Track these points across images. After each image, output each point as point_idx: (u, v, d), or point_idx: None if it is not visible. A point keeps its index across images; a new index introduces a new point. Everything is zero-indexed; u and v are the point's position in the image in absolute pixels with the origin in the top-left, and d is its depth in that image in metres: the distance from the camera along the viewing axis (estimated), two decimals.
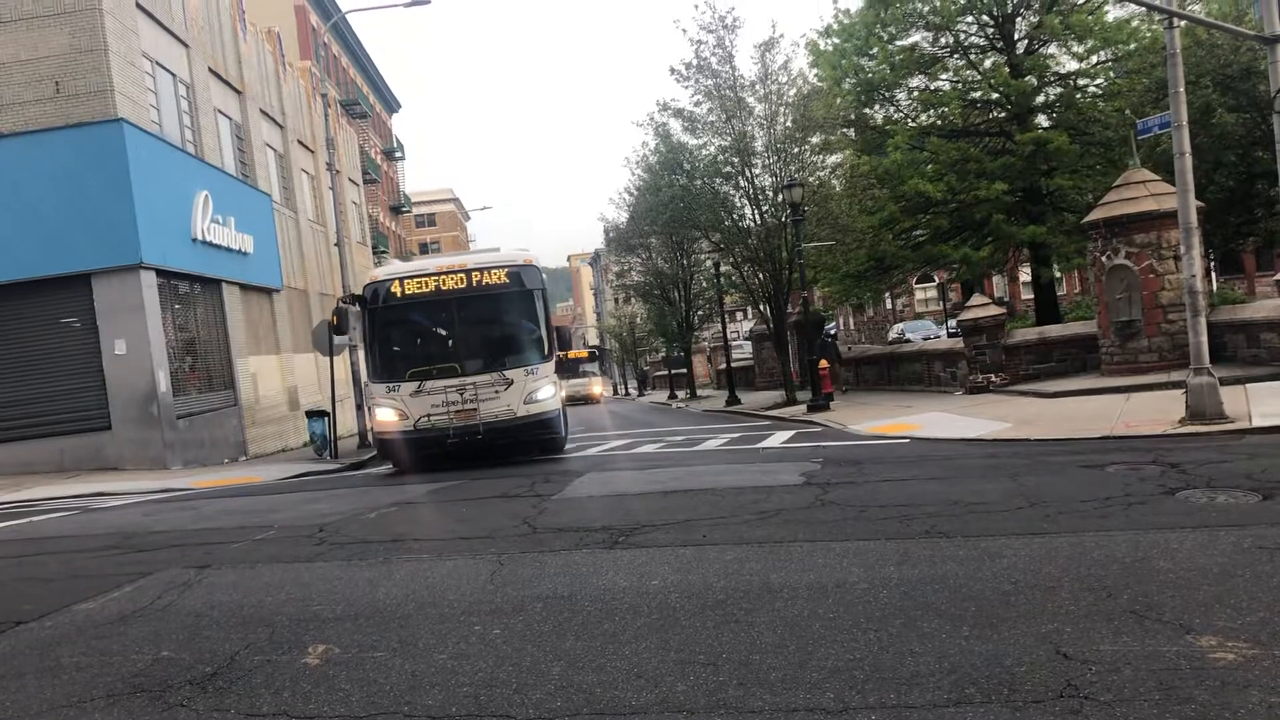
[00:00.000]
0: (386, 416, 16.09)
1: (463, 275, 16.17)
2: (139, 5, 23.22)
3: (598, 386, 65.89)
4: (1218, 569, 5.57)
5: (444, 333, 16.96)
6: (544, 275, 17.27)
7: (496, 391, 15.82)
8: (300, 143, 36.71)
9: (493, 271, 16.22)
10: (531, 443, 16.66)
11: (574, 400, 55.18)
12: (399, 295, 16.29)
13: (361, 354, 16.86)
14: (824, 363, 25.46)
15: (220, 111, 28.53)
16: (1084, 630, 4.62)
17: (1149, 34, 27.02)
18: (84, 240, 20.54)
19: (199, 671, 5.05)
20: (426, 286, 16.19)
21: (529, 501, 11.06)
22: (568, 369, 57.09)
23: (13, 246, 20.45)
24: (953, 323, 38.91)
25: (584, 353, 72.52)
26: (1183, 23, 15.76)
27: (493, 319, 17.14)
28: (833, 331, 60.33)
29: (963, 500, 8.67)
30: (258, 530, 10.50)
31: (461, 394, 15.77)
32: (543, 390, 16.11)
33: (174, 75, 25.41)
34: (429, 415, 15.76)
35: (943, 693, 3.96)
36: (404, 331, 17.05)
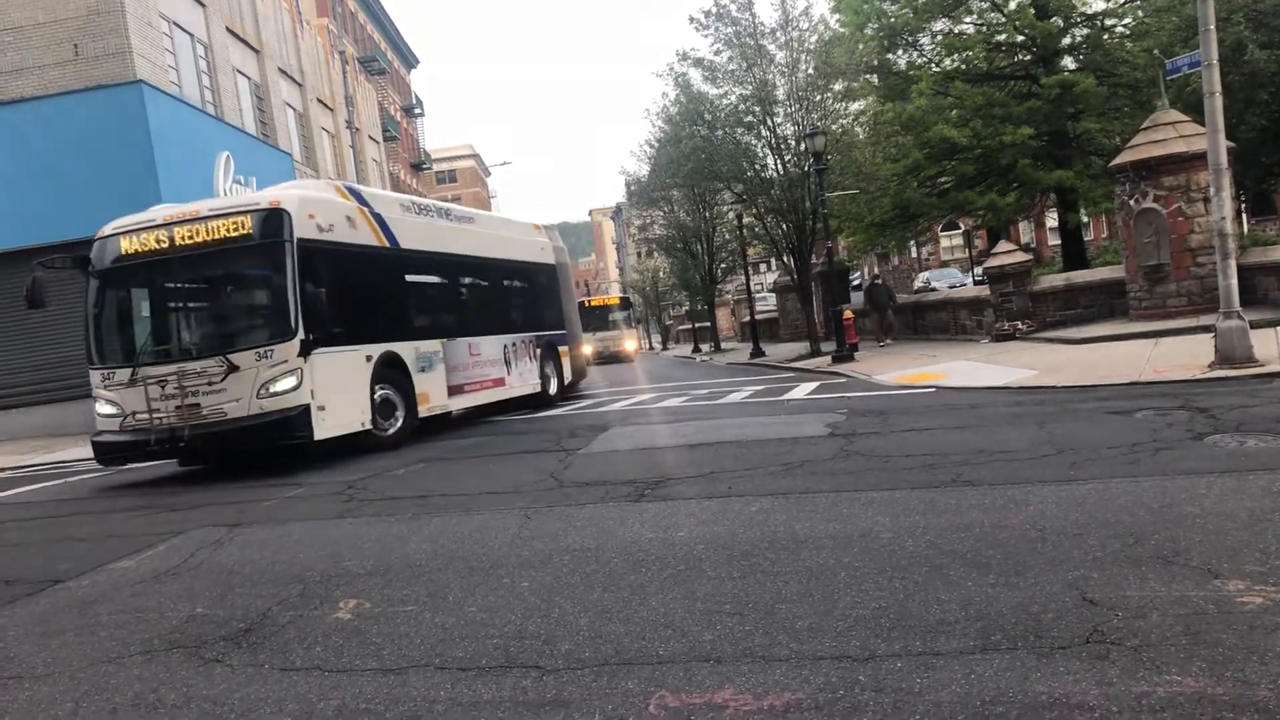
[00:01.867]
0: (104, 412, 12.74)
1: (195, 226, 12.50)
2: None
3: (630, 341, 54.05)
4: (1246, 514, 5.54)
5: (167, 302, 13.42)
6: (325, 221, 13.31)
7: (212, 382, 12.07)
8: (320, 101, 36.64)
9: (228, 219, 12.42)
10: (267, 451, 12.71)
11: (601, 359, 48.20)
12: (123, 254, 12.83)
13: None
14: (848, 313, 25.34)
15: (239, 71, 28.50)
16: (1111, 576, 4.61)
17: None
18: (107, 204, 20.57)
19: (233, 627, 5.13)
20: (154, 243, 12.66)
21: (555, 456, 11.12)
22: (594, 320, 50.13)
23: (36, 211, 20.60)
24: (979, 270, 38.60)
25: (613, 299, 60.36)
26: None
27: (224, 283, 13.41)
28: (854, 279, 59.61)
29: (989, 449, 8.64)
30: (287, 488, 10.62)
31: (163, 386, 12.18)
32: (284, 380, 12.16)
33: (192, 35, 25.36)
34: (134, 413, 12.34)
35: (969, 640, 3.97)
36: (126, 301, 13.31)
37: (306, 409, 12.26)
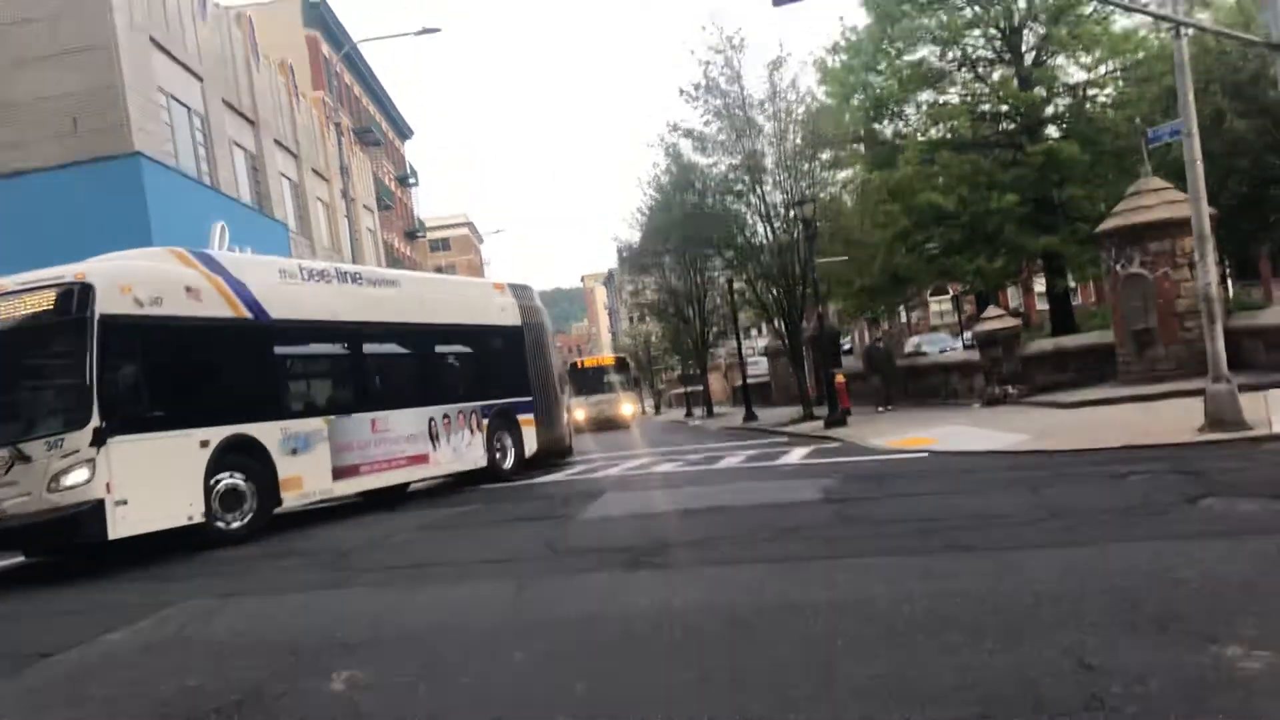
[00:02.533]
0: None
1: (1, 303, 11.52)
2: (153, 40, 23.53)
3: (628, 405, 49.64)
4: (1242, 577, 5.54)
5: None
6: (149, 294, 12.02)
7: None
8: (315, 171, 37.02)
9: (31, 295, 11.41)
10: (58, 550, 12.13)
11: (595, 425, 44.92)
12: None
13: None
14: (840, 377, 25.39)
15: (235, 143, 28.83)
16: (1108, 641, 4.60)
17: (1156, 42, 27.01)
18: None
19: (225, 700, 5.07)
20: None
21: (550, 523, 11.07)
22: (587, 383, 47.56)
23: None
24: (968, 335, 38.82)
25: (608, 359, 55.58)
26: (1190, 31, 15.75)
27: (26, 363, 11.99)
28: (845, 343, 59.47)
29: (983, 513, 8.65)
30: (280, 557, 10.55)
31: None
32: (74, 472, 10.74)
33: (189, 108, 25.70)
34: None
35: (968, 707, 3.95)
36: None
37: (100, 504, 10.82)
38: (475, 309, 19.13)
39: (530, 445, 19.75)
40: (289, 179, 34.15)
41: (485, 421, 18.23)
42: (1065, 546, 6.84)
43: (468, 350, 18.73)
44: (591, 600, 6.63)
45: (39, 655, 6.57)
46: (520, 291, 20.93)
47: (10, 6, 21.36)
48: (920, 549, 7.27)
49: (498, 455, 18.56)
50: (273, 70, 33.72)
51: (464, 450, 17.54)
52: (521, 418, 19.53)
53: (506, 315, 19.85)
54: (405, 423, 16.09)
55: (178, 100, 24.97)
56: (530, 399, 19.98)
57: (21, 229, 20.72)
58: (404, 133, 77.09)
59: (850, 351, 60.50)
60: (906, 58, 30.55)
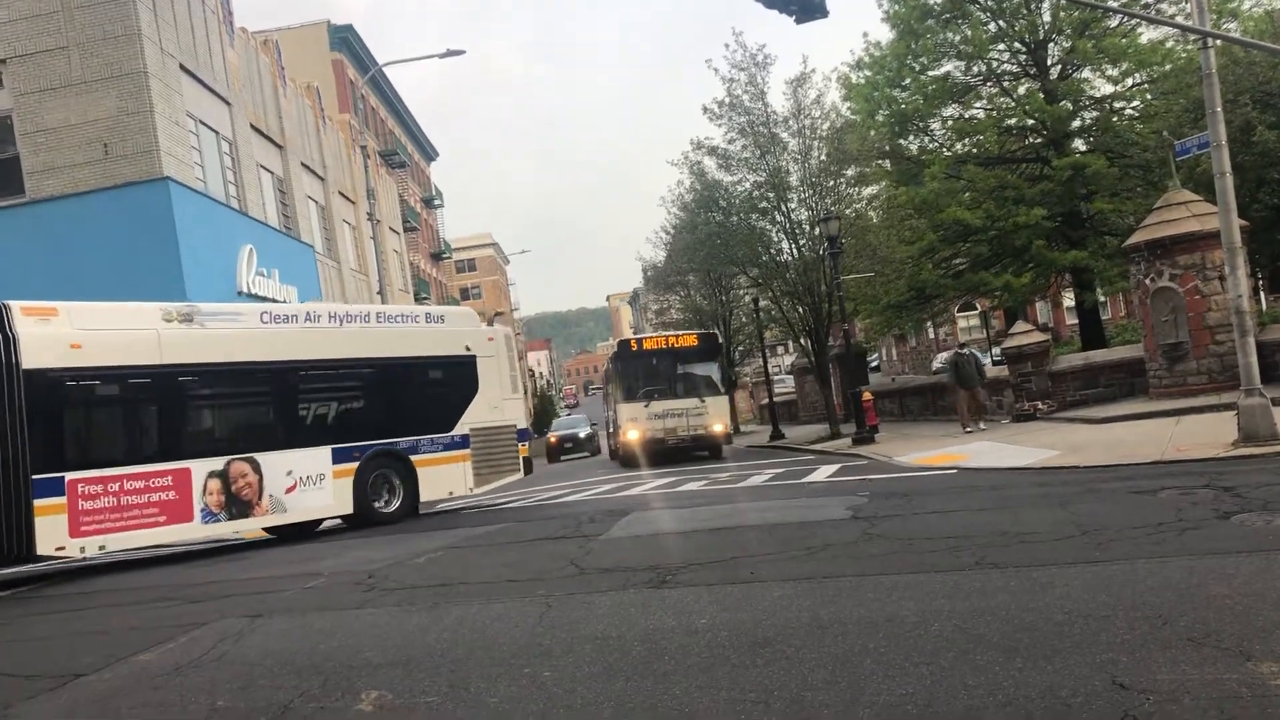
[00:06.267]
0: None
1: None
2: (183, 67, 23.88)
3: (719, 422, 28.03)
4: (1277, 594, 5.46)
5: None
6: None
7: None
8: (341, 194, 37.38)
9: None
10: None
11: (659, 454, 27.06)
12: None
13: None
14: (867, 394, 25.28)
15: (262, 166, 29.16)
16: (1140, 659, 4.54)
17: (1184, 55, 26.85)
18: (133, 299, 20.93)
19: None
20: None
21: (575, 543, 11.05)
22: (646, 376, 28.38)
23: None
24: (997, 351, 38.56)
25: (687, 337, 30.79)
26: (1217, 42, 15.65)
27: None
28: (872, 360, 59.09)
29: (1013, 530, 8.57)
30: (307, 578, 10.58)
31: None
32: None
33: (217, 133, 26.04)
34: None
35: None
36: None
37: None
38: None
39: None
40: (316, 202, 34.49)
41: None
42: (1096, 563, 6.77)
43: None
44: (617, 620, 6.62)
45: (73, 676, 6.62)
46: None
47: (43, 35, 21.77)
48: (949, 566, 7.21)
49: None
50: (299, 94, 34.14)
51: None
52: None
53: None
54: None
55: (206, 125, 25.31)
56: None
57: (53, 252, 21.06)
58: (429, 154, 77.73)
59: (878, 368, 60.30)
60: (931, 73, 30.53)
